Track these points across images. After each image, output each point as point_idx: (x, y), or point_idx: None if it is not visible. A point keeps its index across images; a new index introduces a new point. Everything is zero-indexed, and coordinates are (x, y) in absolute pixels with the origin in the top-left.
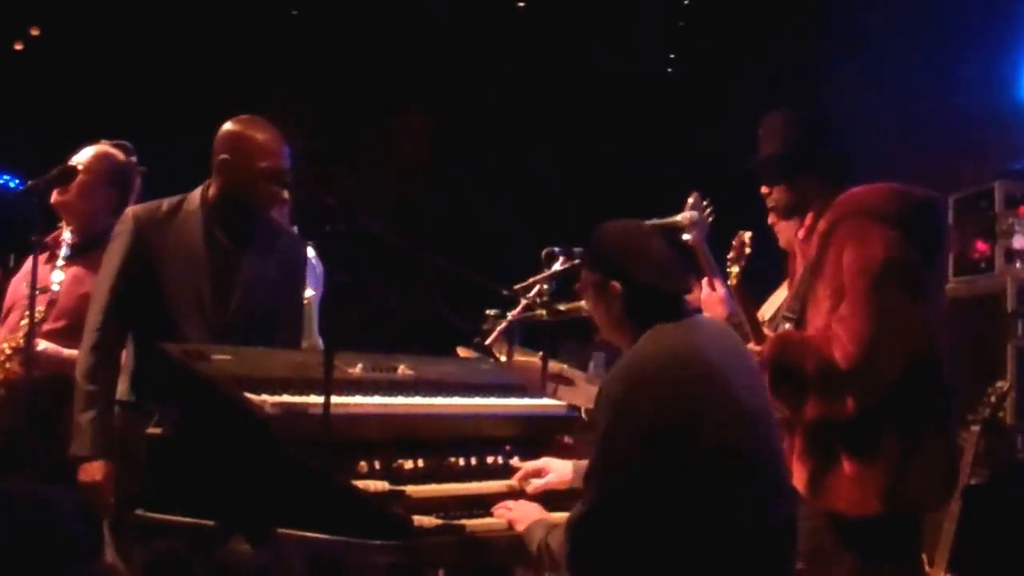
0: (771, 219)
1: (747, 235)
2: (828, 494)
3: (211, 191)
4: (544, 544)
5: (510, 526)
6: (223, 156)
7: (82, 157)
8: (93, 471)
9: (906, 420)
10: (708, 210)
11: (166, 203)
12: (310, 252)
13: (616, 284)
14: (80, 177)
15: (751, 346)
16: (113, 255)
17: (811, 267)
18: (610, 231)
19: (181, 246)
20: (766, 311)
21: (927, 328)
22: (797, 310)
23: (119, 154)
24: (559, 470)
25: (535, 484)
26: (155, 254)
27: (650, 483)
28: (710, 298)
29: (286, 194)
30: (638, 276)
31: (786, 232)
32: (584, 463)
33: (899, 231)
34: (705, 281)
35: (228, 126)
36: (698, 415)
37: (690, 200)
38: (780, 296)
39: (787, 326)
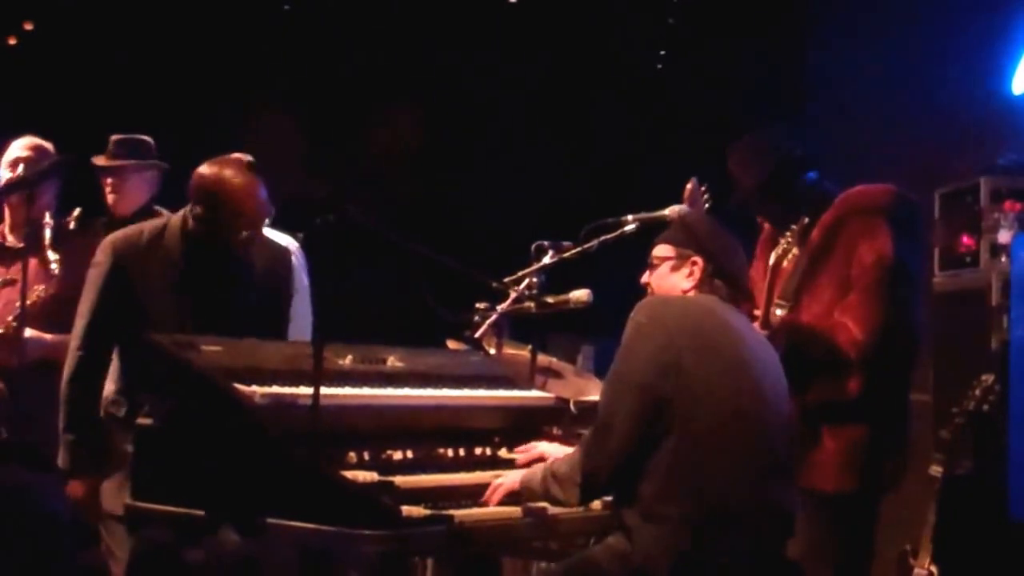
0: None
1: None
2: (811, 473)
3: (190, 224)
4: (549, 474)
5: (508, 497)
6: (199, 209)
7: (22, 152)
8: (75, 488)
9: (886, 406)
10: (705, 196)
11: (147, 233)
12: (294, 245)
13: (700, 260)
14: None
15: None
16: (92, 284)
17: (810, 257)
18: (707, 222)
19: (162, 277)
20: None
21: (919, 324)
22: (791, 297)
23: (48, 144)
24: (553, 450)
25: (529, 454)
26: (136, 284)
27: (652, 411)
28: None
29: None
30: (724, 262)
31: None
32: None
33: (900, 231)
34: None
35: (203, 174)
36: (711, 364)
37: (688, 186)
38: None
39: (779, 312)
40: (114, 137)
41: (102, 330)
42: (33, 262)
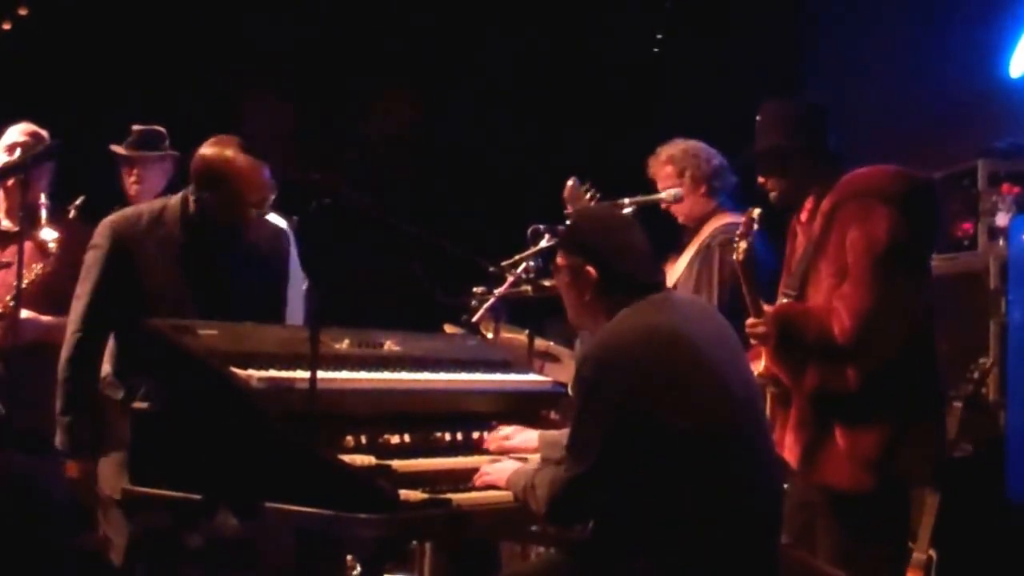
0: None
1: (756, 212)
2: (821, 469)
3: (192, 207)
4: (531, 485)
5: (491, 488)
6: (206, 192)
7: (19, 136)
8: (72, 469)
9: (900, 397)
10: (588, 195)
11: (146, 214)
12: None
13: (592, 270)
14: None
15: (750, 320)
16: (91, 266)
17: (814, 245)
18: (590, 217)
19: (162, 259)
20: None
21: (925, 309)
22: (797, 287)
23: (43, 131)
24: (524, 437)
25: (500, 446)
26: (136, 266)
27: (624, 461)
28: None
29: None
30: (615, 264)
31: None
32: (550, 432)
33: (902, 213)
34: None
35: (207, 157)
36: (673, 391)
37: (568, 183)
38: None
39: (785, 303)
40: (135, 127)
41: (101, 313)
42: (29, 245)
